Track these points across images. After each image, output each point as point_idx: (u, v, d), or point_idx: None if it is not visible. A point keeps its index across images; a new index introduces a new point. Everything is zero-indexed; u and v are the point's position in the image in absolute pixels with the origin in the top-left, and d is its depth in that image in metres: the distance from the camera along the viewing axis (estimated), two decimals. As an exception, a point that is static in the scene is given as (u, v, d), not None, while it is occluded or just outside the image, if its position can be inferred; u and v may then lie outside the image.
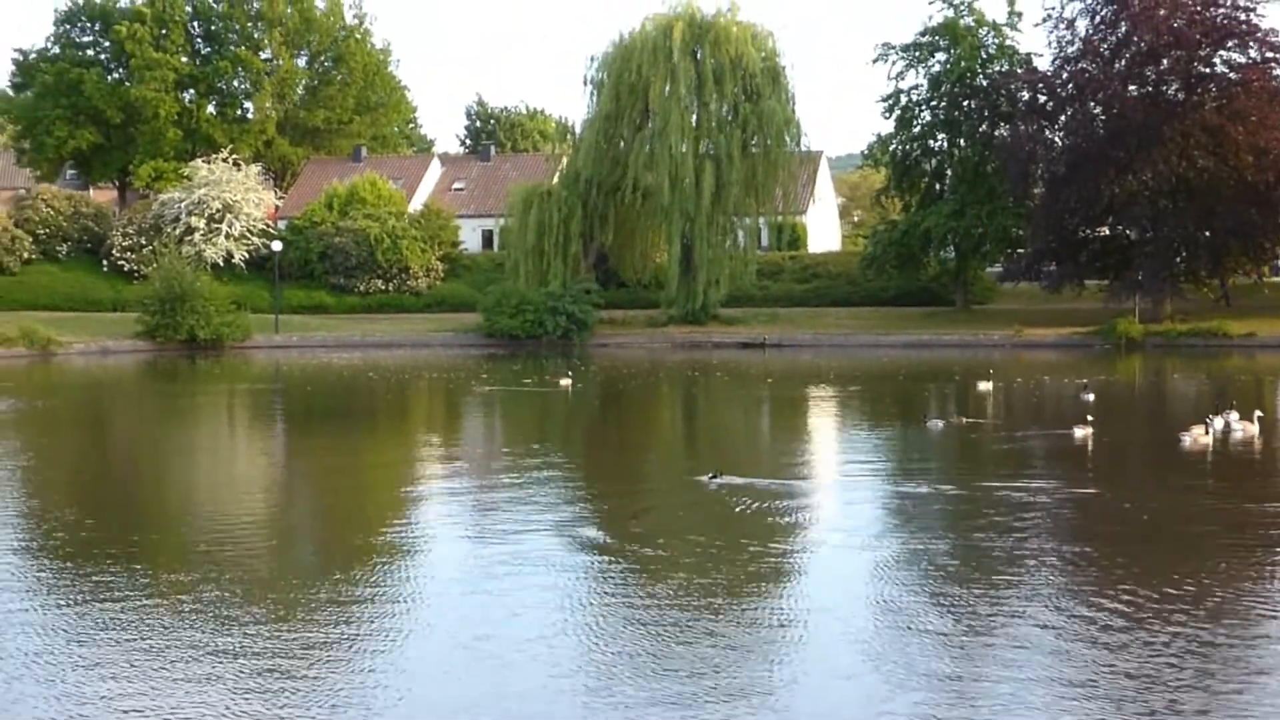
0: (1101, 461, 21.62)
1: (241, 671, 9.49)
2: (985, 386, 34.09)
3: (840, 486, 19.00)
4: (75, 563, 13.42)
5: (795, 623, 10.92)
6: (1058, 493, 17.62)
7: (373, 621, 10.99)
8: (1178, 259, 58.77)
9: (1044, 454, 22.66)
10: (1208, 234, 57.56)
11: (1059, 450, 22.60)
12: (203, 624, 10.77)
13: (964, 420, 26.69)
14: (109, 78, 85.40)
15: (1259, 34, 56.50)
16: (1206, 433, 22.36)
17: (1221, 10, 56.90)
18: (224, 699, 8.91)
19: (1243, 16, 56.73)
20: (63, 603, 11.67)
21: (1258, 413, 24.30)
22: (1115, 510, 16.34)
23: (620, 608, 11.43)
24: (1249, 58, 57.04)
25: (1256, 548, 13.85)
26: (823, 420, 30.87)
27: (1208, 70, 57.82)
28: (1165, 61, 57.10)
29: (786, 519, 15.85)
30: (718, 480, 17.94)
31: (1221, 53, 57.59)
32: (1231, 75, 57.22)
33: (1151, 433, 27.04)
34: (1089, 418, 24.04)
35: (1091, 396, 30.39)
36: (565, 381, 38.02)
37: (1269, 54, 56.78)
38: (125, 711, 8.73)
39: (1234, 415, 23.94)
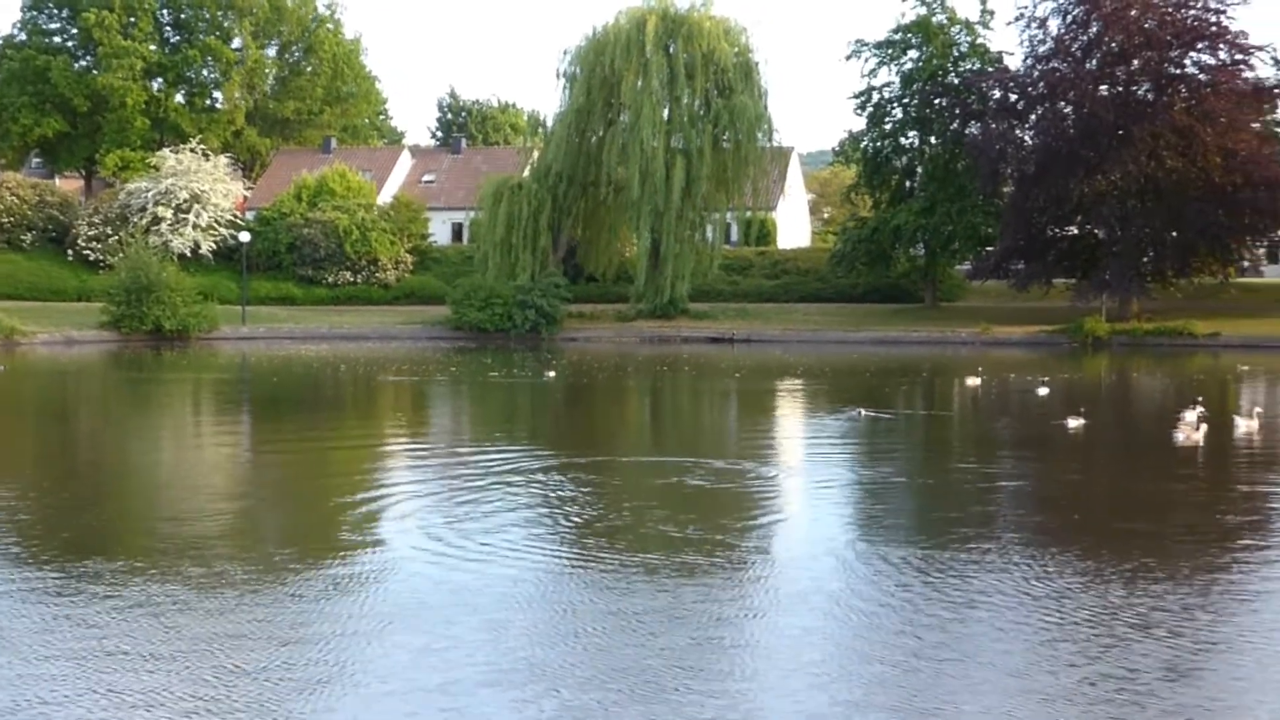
0: (1098, 453, 22.01)
1: (187, 669, 9.40)
2: (974, 381, 34.69)
3: (815, 470, 19.09)
4: (25, 554, 13.30)
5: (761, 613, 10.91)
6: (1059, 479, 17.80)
7: (334, 616, 10.91)
8: (1145, 259, 58.99)
9: (1039, 442, 23.38)
10: (1175, 234, 57.78)
11: (1053, 439, 23.32)
12: (151, 620, 10.64)
13: (863, 413, 26.98)
14: (76, 65, 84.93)
15: (1229, 36, 56.77)
16: (1198, 428, 22.46)
17: (1192, 12, 57.15)
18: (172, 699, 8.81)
19: (1213, 18, 56.98)
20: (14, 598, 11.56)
21: (1257, 409, 24.71)
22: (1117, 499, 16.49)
23: (588, 603, 11.37)
24: (1219, 59, 57.29)
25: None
26: (798, 411, 30.94)
27: (1178, 71, 58.04)
28: (1136, 62, 57.29)
29: (762, 505, 15.94)
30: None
31: (1192, 54, 57.82)
32: (1201, 77, 57.48)
33: (1136, 427, 27.46)
34: (1081, 409, 24.54)
35: (1045, 391, 32.03)
36: (550, 374, 39.29)
37: (1239, 56, 57.07)
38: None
39: (1200, 411, 24.16)
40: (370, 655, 9.53)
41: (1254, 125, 58.12)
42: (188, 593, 11.34)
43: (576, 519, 15.11)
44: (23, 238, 72.58)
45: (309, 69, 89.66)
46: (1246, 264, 65.12)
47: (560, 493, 16.93)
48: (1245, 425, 23.72)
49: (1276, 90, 59.00)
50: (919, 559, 12.71)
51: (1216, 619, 10.55)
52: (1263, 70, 58.87)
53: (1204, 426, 22.61)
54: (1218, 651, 9.67)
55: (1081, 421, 24.25)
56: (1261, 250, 63.20)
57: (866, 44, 67.54)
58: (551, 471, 18.87)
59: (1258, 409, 24.94)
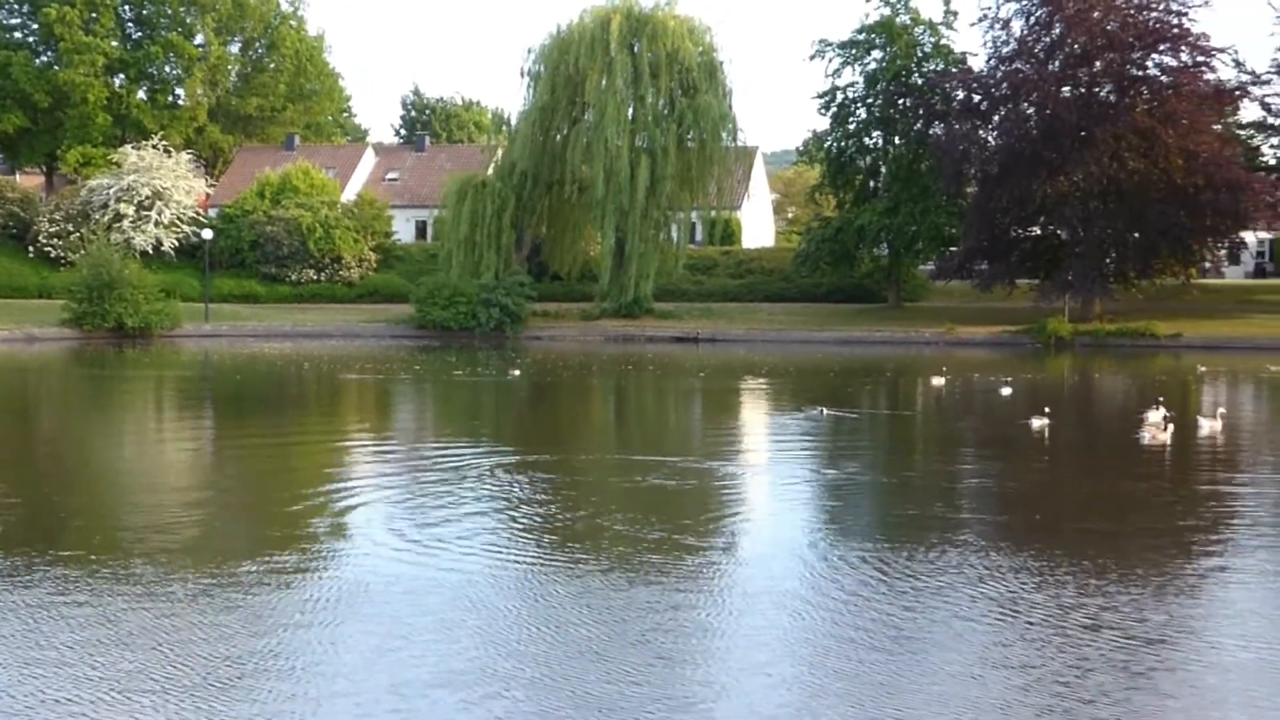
0: (1062, 453, 22.21)
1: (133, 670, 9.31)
2: (939, 381, 35.01)
3: (776, 470, 19.12)
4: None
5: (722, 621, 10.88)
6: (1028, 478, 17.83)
7: (299, 608, 10.83)
8: (1107, 260, 59.25)
9: (1003, 442, 23.51)
10: (1137, 235, 58.06)
11: (1017, 439, 23.40)
12: (98, 619, 10.54)
13: (825, 412, 27.32)
14: (37, 61, 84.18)
15: (1190, 38, 57.04)
16: (1165, 429, 22.59)
17: (1154, 14, 57.40)
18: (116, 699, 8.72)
19: (1175, 20, 57.25)
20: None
21: (1221, 410, 24.86)
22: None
23: (542, 607, 11.32)
24: (1180, 61, 57.54)
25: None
26: (762, 410, 30.96)
27: (1140, 73, 58.28)
28: (1098, 63, 57.52)
29: (721, 505, 15.92)
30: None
31: (1154, 56, 58.05)
32: (1163, 78, 57.71)
33: (1100, 427, 27.67)
34: (1046, 410, 24.72)
35: (1009, 391, 32.31)
36: (515, 372, 39.82)
37: (1200, 58, 57.36)
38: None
39: (1164, 412, 24.34)
40: (320, 655, 9.46)
41: (1215, 127, 58.46)
42: (136, 591, 11.23)
43: (533, 518, 15.07)
44: (-18, 234, 72.00)
45: (272, 66, 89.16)
46: (1208, 265, 65.53)
47: (518, 492, 16.88)
48: (1209, 426, 23.84)
49: (1237, 92, 59.44)
50: (876, 559, 12.69)
51: (1170, 620, 10.56)
52: (1224, 72, 59.46)
53: (1171, 427, 22.72)
54: (1169, 653, 9.66)
55: (1046, 421, 24.29)
56: (1223, 251, 63.53)
57: (830, 44, 67.67)
58: (511, 470, 18.81)
59: (1221, 409, 25.09)
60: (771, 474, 19.54)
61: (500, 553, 13.10)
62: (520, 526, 14.56)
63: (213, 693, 8.60)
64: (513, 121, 68.53)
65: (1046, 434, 23.62)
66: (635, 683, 8.85)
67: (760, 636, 10.05)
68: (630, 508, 15.54)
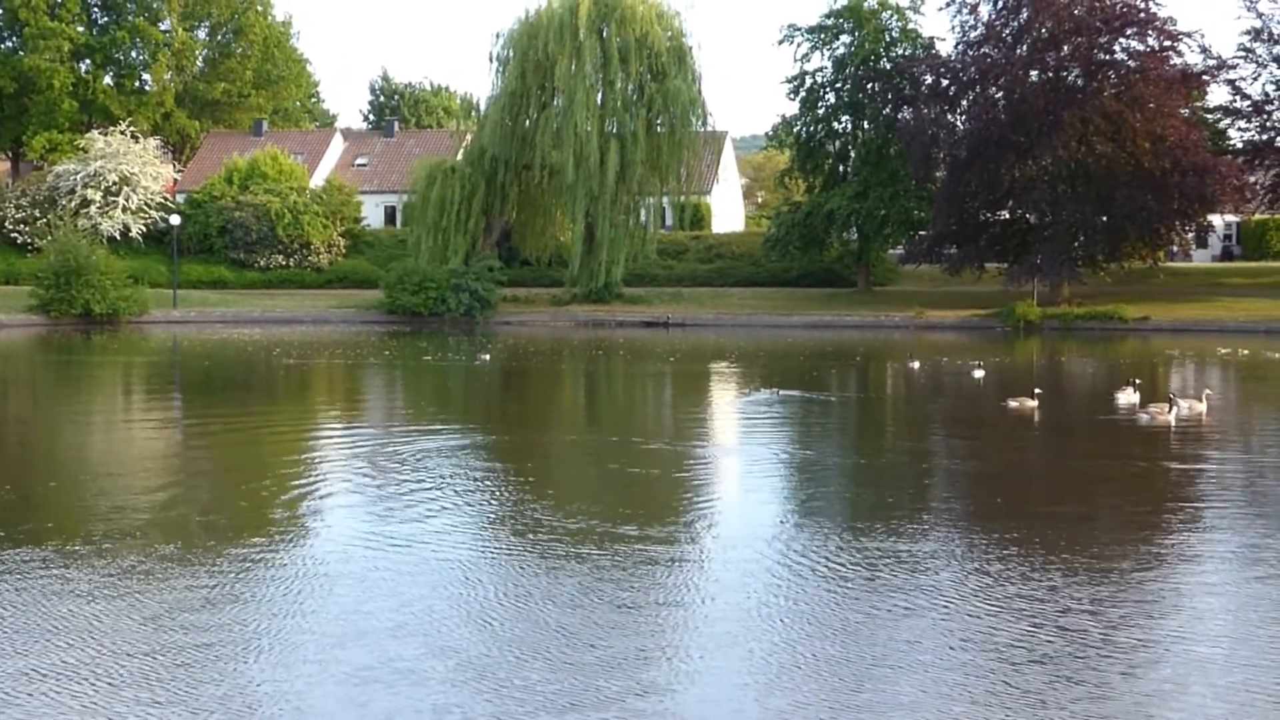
0: (1050, 433, 22.24)
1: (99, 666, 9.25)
2: (915, 364, 35.47)
3: (740, 453, 19.22)
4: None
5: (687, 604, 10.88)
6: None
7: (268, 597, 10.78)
8: (1075, 243, 59.42)
9: (982, 423, 23.68)
10: (1105, 219, 58.26)
11: (999, 420, 23.55)
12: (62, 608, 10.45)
13: (779, 392, 27.99)
14: (1, 47, 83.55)
15: (1157, 22, 57.27)
16: (1168, 411, 22.66)
17: (1121, -2, 57.64)
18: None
19: (1141, 4, 57.48)
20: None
21: (1206, 391, 25.07)
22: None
23: (511, 587, 11.29)
24: (1148, 45, 57.76)
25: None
26: (729, 394, 30.97)
27: (1107, 57, 58.47)
28: (1066, 48, 57.71)
29: (676, 490, 15.90)
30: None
31: (1121, 40, 58.27)
32: (1130, 63, 57.90)
33: (1082, 408, 27.87)
34: (1037, 390, 24.87)
35: (980, 374, 32.66)
36: (485, 357, 39.96)
37: (1167, 42, 57.61)
38: None
39: (1135, 394, 24.69)
40: (227, 655, 9.09)
41: (1182, 111, 58.61)
42: (64, 578, 11.05)
43: (484, 505, 14.92)
44: (-53, 221, 71.50)
45: (239, 51, 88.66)
46: (1175, 249, 65.75)
47: (473, 480, 16.75)
48: (1189, 406, 23.87)
49: (1204, 76, 59.70)
50: (831, 547, 12.52)
51: (1103, 606, 10.56)
52: (1190, 56, 59.62)
53: (1176, 409, 22.72)
54: (1098, 644, 9.51)
55: (1032, 402, 24.19)
56: (1190, 235, 63.80)
57: (799, 28, 67.77)
58: (472, 454, 18.78)
59: (1207, 390, 25.22)
60: (733, 458, 19.52)
61: (439, 544, 12.70)
62: (467, 517, 14.24)
63: (115, 697, 8.26)
64: (482, 107, 68.35)
65: (1036, 415, 23.54)
66: (558, 672, 8.70)
67: (692, 627, 9.89)
68: (584, 496, 15.44)
